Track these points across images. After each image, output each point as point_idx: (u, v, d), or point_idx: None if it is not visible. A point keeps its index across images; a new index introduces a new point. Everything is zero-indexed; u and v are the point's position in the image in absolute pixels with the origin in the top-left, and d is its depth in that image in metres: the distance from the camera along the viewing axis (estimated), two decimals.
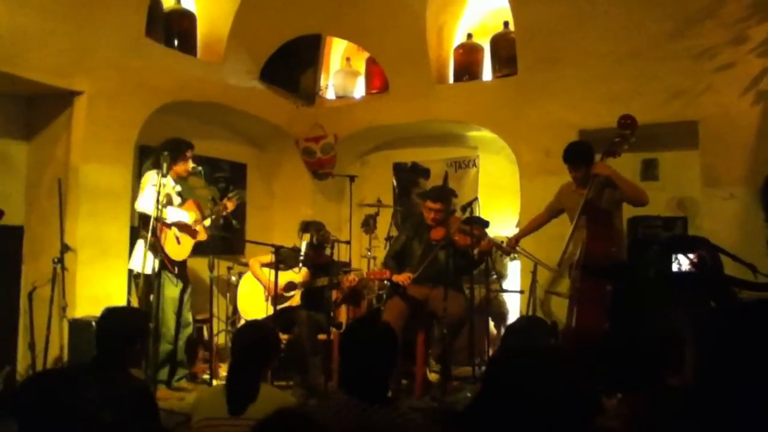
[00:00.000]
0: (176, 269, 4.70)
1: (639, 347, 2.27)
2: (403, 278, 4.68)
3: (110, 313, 2.87)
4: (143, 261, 4.32)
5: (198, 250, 4.95)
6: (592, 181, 4.21)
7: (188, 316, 4.91)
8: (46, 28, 4.49)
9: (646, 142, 4.96)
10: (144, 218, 4.58)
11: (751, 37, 4.86)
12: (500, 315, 6.08)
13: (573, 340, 3.88)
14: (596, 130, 5.23)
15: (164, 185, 4.43)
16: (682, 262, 2.46)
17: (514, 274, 5.95)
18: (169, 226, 4.61)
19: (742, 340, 1.31)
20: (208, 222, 4.94)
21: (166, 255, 4.57)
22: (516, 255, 4.85)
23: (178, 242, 4.72)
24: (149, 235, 4.25)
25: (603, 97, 5.32)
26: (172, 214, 4.62)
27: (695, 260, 2.36)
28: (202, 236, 4.91)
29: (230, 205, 4.99)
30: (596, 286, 4.12)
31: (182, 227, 4.74)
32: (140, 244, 4.59)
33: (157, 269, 4.45)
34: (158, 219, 4.33)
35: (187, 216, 4.75)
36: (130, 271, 4.89)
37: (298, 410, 1.70)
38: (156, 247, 4.44)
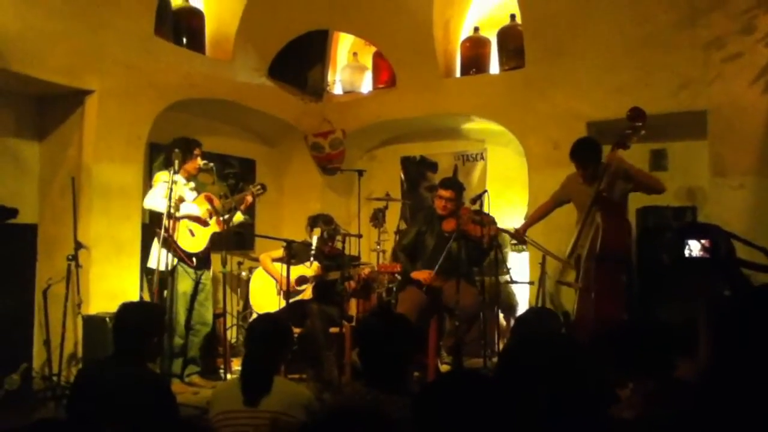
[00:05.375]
0: (194, 261, 4.74)
1: (650, 333, 2.29)
2: (424, 276, 4.64)
3: (127, 308, 2.91)
4: (158, 258, 4.37)
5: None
6: (605, 172, 4.19)
7: (207, 316, 4.92)
8: (57, 28, 4.54)
9: (654, 133, 4.94)
10: (155, 216, 4.62)
11: (758, 27, 4.83)
12: (510, 307, 6.10)
13: (589, 331, 3.90)
14: (604, 122, 5.23)
15: (176, 182, 4.47)
16: (693, 248, 2.47)
17: (522, 266, 5.97)
18: (178, 219, 4.63)
19: (758, 325, 1.32)
20: (238, 218, 4.98)
21: (180, 249, 4.62)
22: (524, 246, 4.85)
23: (192, 234, 4.77)
24: (161, 231, 4.30)
25: (611, 88, 5.31)
26: (182, 209, 4.67)
27: (707, 245, 2.37)
28: (215, 228, 4.92)
29: (249, 198, 5.04)
30: (613, 276, 4.13)
31: (193, 219, 4.78)
32: (156, 241, 4.63)
33: (172, 265, 4.49)
34: (169, 215, 4.37)
35: (198, 209, 4.79)
36: (144, 268, 4.93)
37: (363, 408, 1.70)
38: (168, 243, 4.49)
